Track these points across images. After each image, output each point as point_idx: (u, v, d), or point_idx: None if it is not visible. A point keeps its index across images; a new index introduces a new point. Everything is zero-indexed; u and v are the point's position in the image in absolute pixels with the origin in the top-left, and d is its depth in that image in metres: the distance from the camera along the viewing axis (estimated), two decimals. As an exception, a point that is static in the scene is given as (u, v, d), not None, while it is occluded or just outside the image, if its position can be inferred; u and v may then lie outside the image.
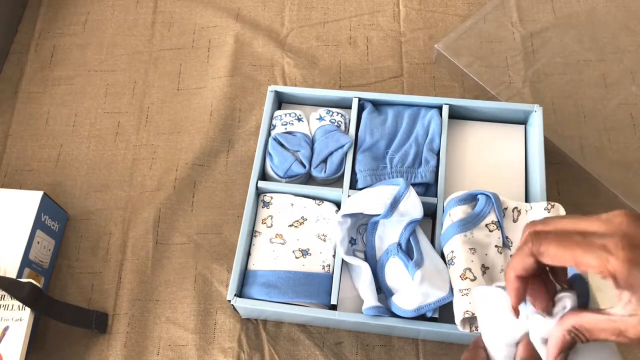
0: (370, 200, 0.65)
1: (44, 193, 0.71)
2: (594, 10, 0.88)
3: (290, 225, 0.69)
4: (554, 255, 0.38)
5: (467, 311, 0.57)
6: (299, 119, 0.75)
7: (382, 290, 0.64)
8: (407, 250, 0.63)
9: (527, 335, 0.41)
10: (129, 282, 0.73)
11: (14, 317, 0.62)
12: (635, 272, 0.34)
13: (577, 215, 0.40)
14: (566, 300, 0.40)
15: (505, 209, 0.64)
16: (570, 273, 0.42)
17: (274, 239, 0.69)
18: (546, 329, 0.40)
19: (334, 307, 0.64)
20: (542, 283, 0.41)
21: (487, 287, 0.45)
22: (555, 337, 0.39)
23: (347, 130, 0.74)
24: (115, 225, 0.77)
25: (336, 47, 0.89)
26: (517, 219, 0.64)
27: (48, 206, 0.72)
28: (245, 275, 0.67)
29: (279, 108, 0.79)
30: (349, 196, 0.68)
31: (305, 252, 0.68)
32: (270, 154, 0.72)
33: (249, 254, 0.68)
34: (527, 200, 0.70)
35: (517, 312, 0.41)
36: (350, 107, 0.76)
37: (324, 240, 0.68)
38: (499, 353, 0.42)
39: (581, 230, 0.37)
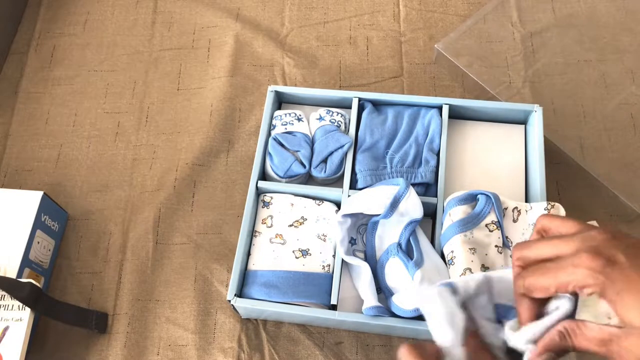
0: (370, 200, 0.65)
1: (44, 193, 0.71)
2: (594, 10, 0.88)
3: (290, 225, 0.69)
4: (541, 289, 0.40)
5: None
6: (299, 119, 0.75)
7: (382, 290, 0.64)
8: (407, 250, 0.63)
9: (471, 333, 0.43)
10: (129, 282, 0.73)
11: (14, 317, 0.62)
12: (605, 281, 0.36)
13: (552, 237, 0.42)
14: (564, 300, 0.41)
15: (505, 209, 0.64)
16: None
17: (274, 239, 0.69)
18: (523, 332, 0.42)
19: (334, 307, 0.64)
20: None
21: (431, 288, 0.45)
22: (547, 335, 0.41)
23: (347, 130, 0.74)
24: (115, 225, 0.77)
25: (336, 47, 0.89)
26: (517, 219, 0.64)
27: (48, 206, 0.72)
28: (245, 275, 0.67)
29: (279, 108, 0.79)
30: (349, 196, 0.68)
31: (305, 252, 0.68)
32: (270, 154, 0.72)
33: (249, 254, 0.68)
34: (527, 200, 0.70)
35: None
36: (350, 107, 0.76)
37: (324, 240, 0.68)
38: (453, 351, 0.42)
39: (551, 255, 0.40)
